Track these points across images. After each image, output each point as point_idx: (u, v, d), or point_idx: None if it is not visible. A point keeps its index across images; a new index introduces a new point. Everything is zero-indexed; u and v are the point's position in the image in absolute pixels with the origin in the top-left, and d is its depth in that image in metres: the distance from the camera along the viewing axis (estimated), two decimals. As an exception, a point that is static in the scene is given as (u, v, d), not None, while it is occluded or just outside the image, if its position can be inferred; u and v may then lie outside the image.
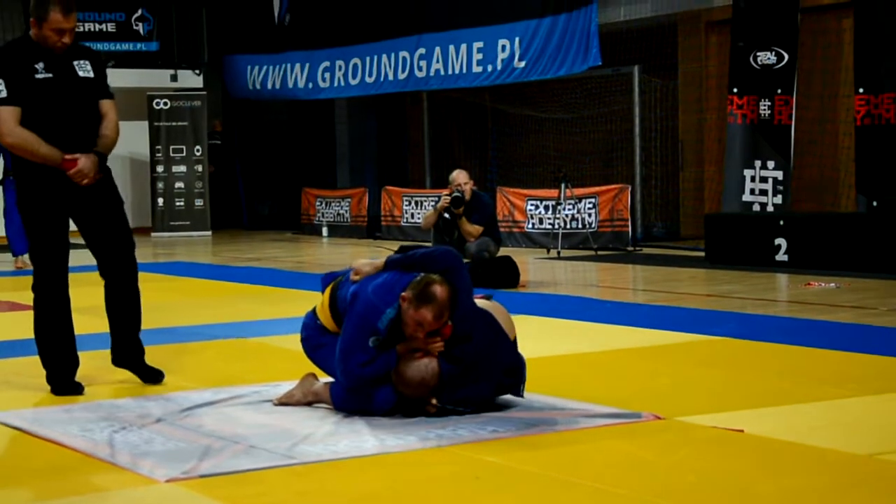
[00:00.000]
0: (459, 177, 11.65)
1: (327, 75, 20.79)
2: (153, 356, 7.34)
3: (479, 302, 5.66)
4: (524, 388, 5.64)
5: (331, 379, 5.73)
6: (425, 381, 5.31)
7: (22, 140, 6.09)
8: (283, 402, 5.78)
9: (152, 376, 6.50)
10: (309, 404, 5.71)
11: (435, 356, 5.33)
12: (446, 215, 11.64)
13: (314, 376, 5.82)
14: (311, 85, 21.17)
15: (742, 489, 4.27)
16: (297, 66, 21.39)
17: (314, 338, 5.74)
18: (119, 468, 4.67)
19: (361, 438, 5.07)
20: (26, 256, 14.71)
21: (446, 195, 11.62)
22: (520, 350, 5.69)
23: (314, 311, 5.79)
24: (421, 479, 4.52)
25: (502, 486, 4.38)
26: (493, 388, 5.54)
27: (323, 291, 5.75)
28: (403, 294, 5.31)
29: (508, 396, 5.66)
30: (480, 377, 5.45)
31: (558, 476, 4.47)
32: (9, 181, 13.35)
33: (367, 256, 16.63)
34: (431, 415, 5.37)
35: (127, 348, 6.56)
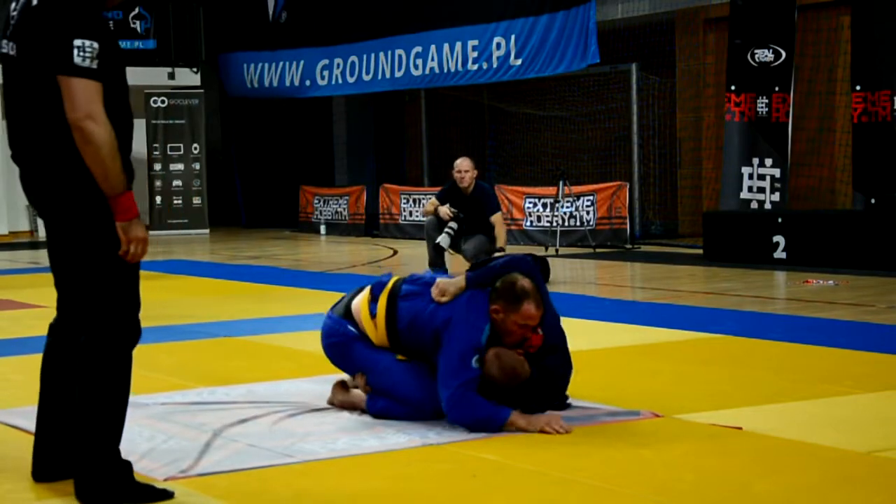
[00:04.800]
0: (463, 164, 11.67)
1: (325, 73, 20.79)
2: (151, 354, 7.34)
3: None
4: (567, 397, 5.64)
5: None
6: (517, 374, 5.29)
7: None
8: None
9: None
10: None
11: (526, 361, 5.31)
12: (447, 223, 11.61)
13: (345, 385, 5.77)
14: (308, 82, 21.16)
15: (740, 486, 4.27)
16: (295, 63, 21.38)
17: (345, 345, 5.63)
18: (118, 467, 4.66)
19: (360, 437, 5.07)
20: None
21: (451, 214, 11.57)
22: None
23: (345, 317, 5.65)
24: (419, 477, 4.52)
25: (500, 484, 4.38)
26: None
27: (376, 301, 5.59)
28: (494, 307, 5.28)
29: None
30: (553, 389, 5.48)
31: (556, 474, 4.47)
32: None
33: (366, 254, 16.53)
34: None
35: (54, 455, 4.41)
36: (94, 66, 4.04)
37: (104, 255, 4.15)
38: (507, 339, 5.31)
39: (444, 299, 5.40)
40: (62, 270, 4.31)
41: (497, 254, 11.49)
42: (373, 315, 5.55)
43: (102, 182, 4.04)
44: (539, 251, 15.57)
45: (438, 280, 5.51)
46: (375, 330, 5.54)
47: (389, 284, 5.63)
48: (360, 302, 5.65)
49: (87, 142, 4.00)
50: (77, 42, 4.03)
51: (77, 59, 4.02)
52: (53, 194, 4.18)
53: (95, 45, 4.05)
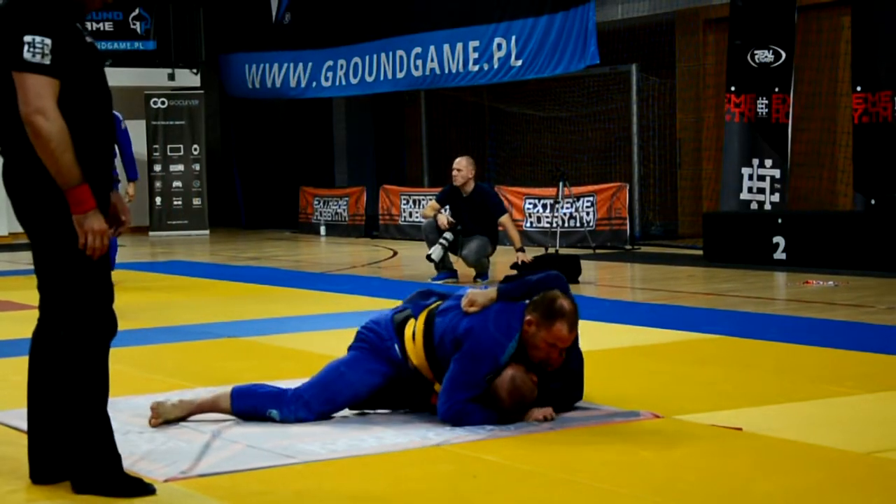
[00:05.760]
0: (458, 162, 11.64)
1: (329, 74, 20.79)
2: (152, 355, 7.34)
3: None
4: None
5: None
6: (524, 399, 5.25)
7: None
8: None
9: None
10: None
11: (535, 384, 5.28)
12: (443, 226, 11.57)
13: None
14: (314, 84, 21.16)
15: (740, 487, 4.27)
16: (301, 65, 21.37)
17: (371, 347, 5.47)
18: (118, 467, 4.66)
19: (360, 437, 5.07)
20: None
21: (448, 224, 11.51)
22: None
23: (398, 334, 5.44)
24: (419, 478, 4.51)
25: (500, 485, 4.38)
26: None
27: (416, 315, 5.48)
28: (528, 318, 5.21)
29: None
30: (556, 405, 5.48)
31: (556, 475, 4.47)
32: None
33: (366, 255, 16.49)
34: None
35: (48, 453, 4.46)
36: (47, 62, 4.06)
37: (69, 248, 4.19)
38: (532, 352, 5.24)
39: (472, 309, 5.31)
40: (38, 266, 4.34)
41: (519, 254, 11.42)
42: (413, 336, 5.43)
43: (55, 175, 4.09)
44: (539, 252, 15.59)
45: (469, 290, 5.43)
46: (414, 347, 5.41)
47: (432, 305, 5.52)
48: (409, 324, 5.50)
49: (37, 136, 4.05)
50: (27, 38, 4.05)
51: (27, 55, 4.05)
52: (21, 189, 4.23)
53: (48, 41, 4.06)
